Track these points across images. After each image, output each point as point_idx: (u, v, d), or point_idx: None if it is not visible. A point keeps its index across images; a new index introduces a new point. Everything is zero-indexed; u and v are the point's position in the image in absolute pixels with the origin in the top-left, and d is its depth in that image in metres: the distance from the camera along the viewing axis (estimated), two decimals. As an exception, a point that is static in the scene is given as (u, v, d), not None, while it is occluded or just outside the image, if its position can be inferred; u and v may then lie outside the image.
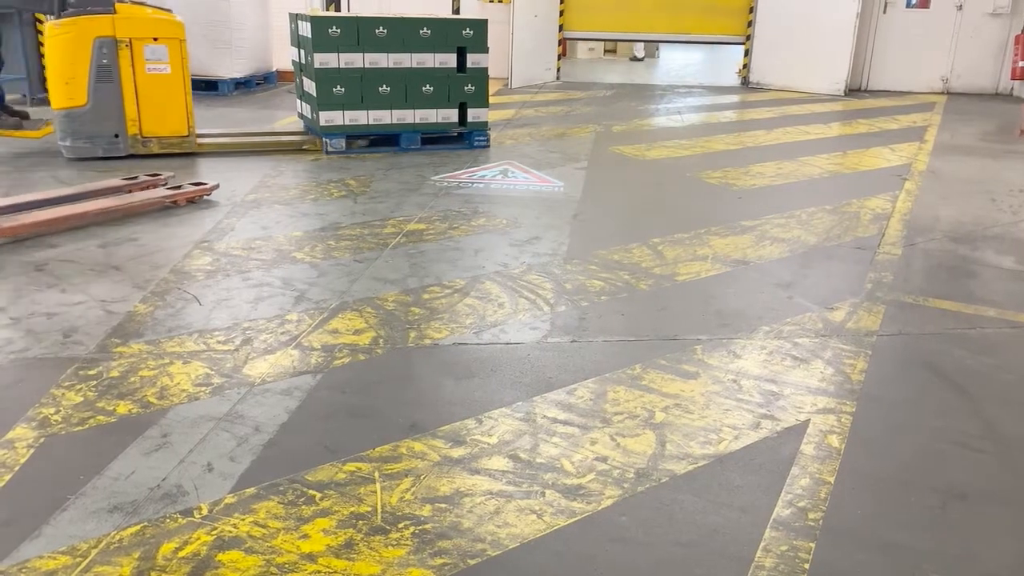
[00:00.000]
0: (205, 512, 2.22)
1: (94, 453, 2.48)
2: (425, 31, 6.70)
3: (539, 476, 2.43)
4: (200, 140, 6.59)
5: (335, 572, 2.02)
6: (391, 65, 6.65)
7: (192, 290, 3.76)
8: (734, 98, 10.84)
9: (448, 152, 6.92)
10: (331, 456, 2.50)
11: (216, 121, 7.98)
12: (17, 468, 2.40)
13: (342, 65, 6.52)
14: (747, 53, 11.91)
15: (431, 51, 6.76)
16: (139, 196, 5.05)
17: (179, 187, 5.24)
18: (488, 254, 4.36)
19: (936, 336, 3.52)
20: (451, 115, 6.98)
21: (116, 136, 6.20)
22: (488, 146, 7.12)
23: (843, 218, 5.23)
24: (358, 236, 4.59)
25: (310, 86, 6.71)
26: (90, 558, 2.04)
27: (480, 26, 6.95)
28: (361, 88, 6.62)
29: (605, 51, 16.40)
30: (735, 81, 12.30)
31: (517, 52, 11.01)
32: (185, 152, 6.44)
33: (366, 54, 6.56)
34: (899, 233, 4.94)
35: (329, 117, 6.62)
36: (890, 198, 5.75)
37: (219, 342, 3.24)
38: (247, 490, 2.32)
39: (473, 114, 7.05)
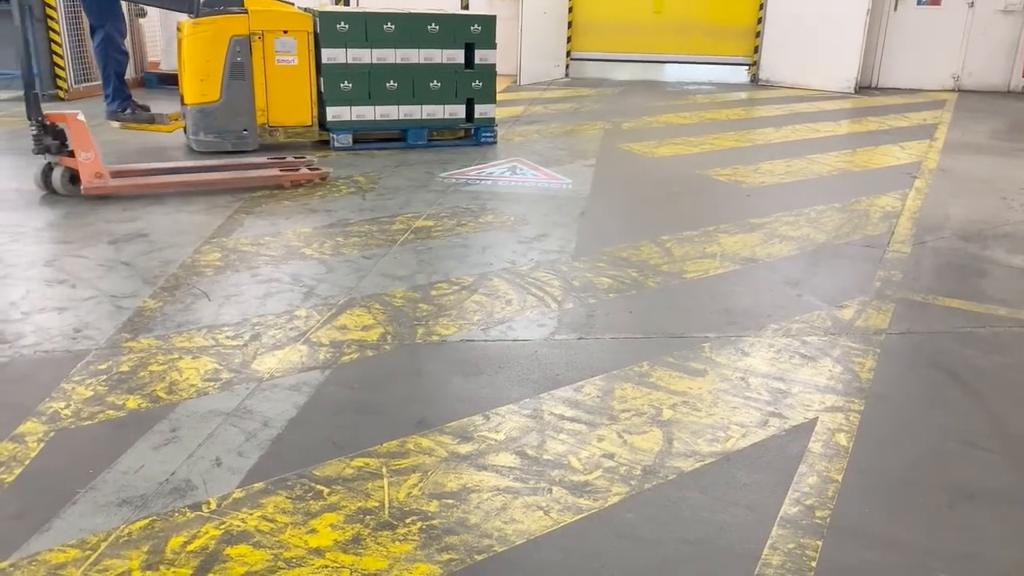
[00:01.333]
0: (213, 506, 2.23)
1: (104, 447, 2.50)
2: (433, 27, 6.69)
3: (546, 473, 2.43)
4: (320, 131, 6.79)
5: (342, 567, 2.02)
6: (398, 61, 6.65)
7: (201, 285, 3.78)
8: (743, 95, 10.81)
9: (455, 149, 6.93)
10: (339, 451, 2.50)
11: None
12: (27, 462, 2.42)
13: (350, 60, 6.52)
14: (756, 50, 11.87)
15: (439, 47, 6.74)
16: (255, 172, 5.61)
17: (296, 168, 5.70)
18: (496, 251, 4.36)
19: (946, 335, 3.50)
20: (458, 111, 6.96)
21: (245, 131, 6.42)
22: (495, 142, 7.12)
23: (852, 216, 5.21)
24: (367, 232, 4.60)
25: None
26: (99, 551, 2.05)
27: (488, 22, 6.94)
28: (368, 83, 6.63)
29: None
30: (745, 79, 12.27)
31: (526, 49, 11.00)
32: (309, 141, 6.68)
33: (374, 49, 6.56)
34: (909, 231, 4.92)
35: (336, 112, 6.63)
36: (900, 196, 5.73)
37: (228, 337, 3.26)
38: (255, 485, 2.33)
39: (480, 110, 7.03)
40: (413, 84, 6.75)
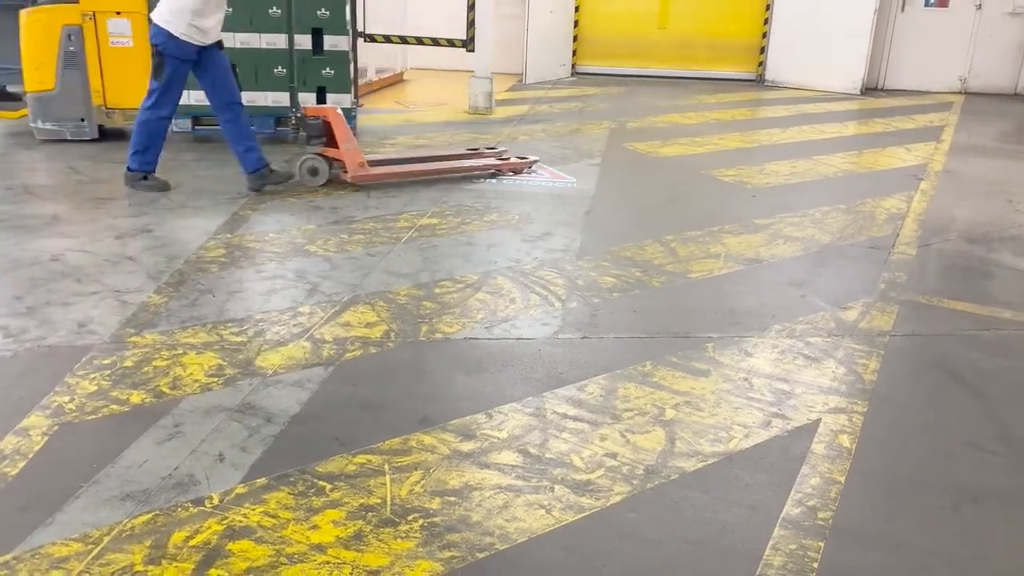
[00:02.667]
0: (216, 502, 2.24)
1: (107, 442, 2.50)
2: (275, 10, 6.38)
3: (548, 471, 2.43)
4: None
5: (344, 563, 2.03)
6: (238, 45, 6.33)
7: (206, 282, 3.78)
8: (749, 95, 10.79)
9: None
10: (342, 448, 2.51)
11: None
12: (31, 456, 2.43)
13: None
14: (763, 51, 11.85)
15: (283, 31, 6.44)
16: (475, 161, 6.00)
17: (507, 158, 6.05)
18: (500, 249, 4.36)
19: (950, 337, 3.50)
20: (308, 100, 6.62)
21: (82, 120, 6.40)
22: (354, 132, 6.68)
23: (857, 217, 5.20)
24: (371, 230, 4.60)
25: None
26: (102, 545, 2.06)
27: (338, 6, 6.54)
28: None
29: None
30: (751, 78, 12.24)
31: (532, 47, 10.99)
32: None
33: None
34: (914, 233, 4.91)
35: None
36: (905, 198, 5.71)
37: (232, 333, 3.26)
38: (258, 480, 2.34)
39: (334, 99, 6.65)
40: (256, 70, 6.44)
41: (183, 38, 4.90)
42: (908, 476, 2.50)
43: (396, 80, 10.86)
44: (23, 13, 6.19)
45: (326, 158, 5.48)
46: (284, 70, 6.55)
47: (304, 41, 6.56)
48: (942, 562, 2.13)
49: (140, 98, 5.24)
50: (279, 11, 6.42)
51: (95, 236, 4.34)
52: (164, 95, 5.05)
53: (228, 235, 4.44)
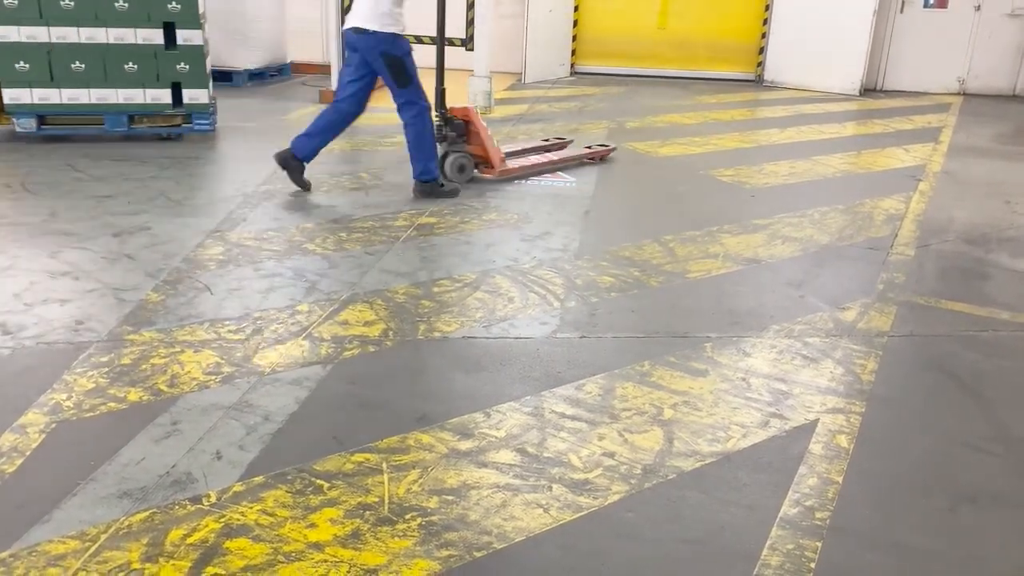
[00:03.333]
0: (213, 500, 2.24)
1: (105, 439, 2.50)
2: (122, 4, 6.09)
3: (546, 470, 2.43)
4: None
5: (342, 562, 2.03)
6: (83, 40, 6.08)
7: (204, 279, 3.78)
8: (748, 96, 10.79)
9: (170, 140, 6.54)
10: (339, 446, 2.51)
11: (226, 112, 8.01)
12: (29, 453, 2.42)
13: (24, 39, 5.95)
14: (762, 51, 11.86)
15: (131, 25, 6.17)
16: (580, 151, 6.48)
17: (590, 147, 6.58)
18: (499, 249, 4.36)
19: (948, 338, 3.50)
20: (163, 96, 6.39)
21: None
22: (212, 130, 6.64)
23: (856, 218, 5.20)
24: (370, 228, 4.60)
25: None
26: (99, 543, 2.05)
27: (190, 0, 6.30)
28: (50, 64, 6.05)
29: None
30: (750, 79, 12.24)
31: (531, 46, 10.98)
32: None
33: (51, 28, 6.00)
34: (912, 234, 4.91)
35: (15, 95, 6.09)
36: (904, 199, 5.72)
37: (230, 331, 3.26)
38: (255, 479, 2.33)
39: (190, 95, 6.45)
40: (105, 66, 6.20)
41: (401, 33, 5.01)
42: (906, 476, 2.50)
43: (395, 79, 10.83)
44: None
45: (471, 155, 5.72)
46: (135, 66, 6.28)
47: (156, 36, 6.28)
48: (939, 562, 2.13)
49: None
50: (126, 4, 6.12)
51: (93, 233, 4.34)
52: (419, 92, 5.15)
53: (226, 233, 4.43)
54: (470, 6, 8.42)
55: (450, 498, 2.29)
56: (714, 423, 2.73)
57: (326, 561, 2.03)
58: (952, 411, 2.92)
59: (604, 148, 6.62)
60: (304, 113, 8.16)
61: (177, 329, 3.26)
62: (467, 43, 8.53)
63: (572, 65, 12.19)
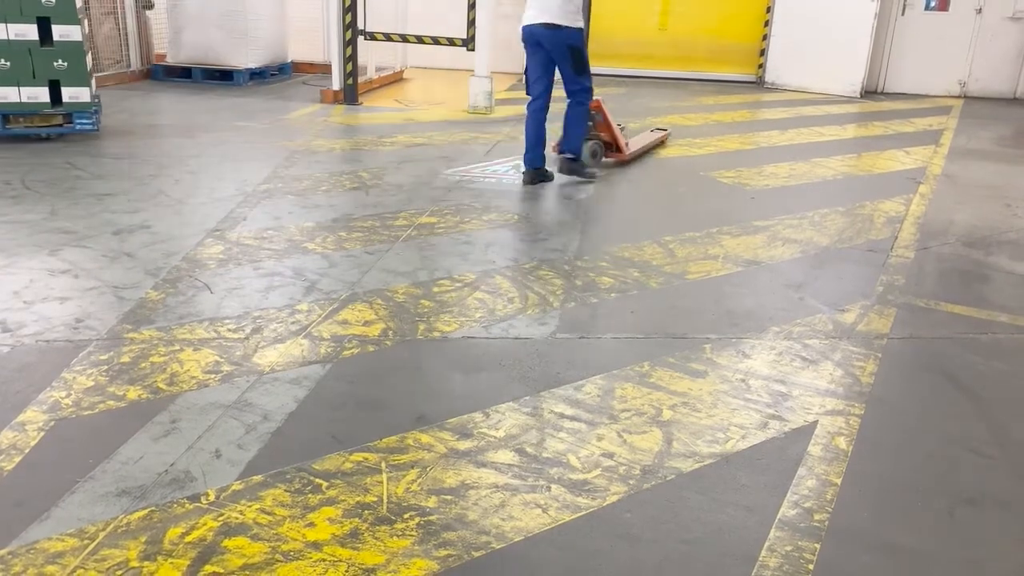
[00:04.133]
0: (212, 498, 2.24)
1: (104, 437, 2.50)
2: None
3: (545, 471, 2.43)
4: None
5: (340, 561, 2.02)
6: None
7: (204, 278, 3.78)
8: (749, 97, 10.80)
9: (53, 141, 6.30)
10: (338, 446, 2.51)
11: (226, 111, 8.02)
12: (27, 451, 2.42)
13: None
14: (763, 53, 11.86)
15: (1, 21, 5.90)
16: (657, 135, 7.33)
17: (654, 130, 7.50)
18: (499, 249, 4.36)
19: (947, 340, 3.50)
20: (41, 95, 6.11)
21: None
22: (96, 129, 6.43)
23: (856, 220, 5.20)
24: (369, 228, 4.60)
25: None
26: (98, 541, 2.05)
27: None
28: None
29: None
30: (751, 80, 12.25)
31: (532, 47, 10.97)
32: None
33: None
34: (912, 236, 4.91)
35: None
36: (904, 201, 5.72)
37: (229, 330, 3.26)
38: (254, 477, 2.33)
39: (70, 94, 6.17)
40: None
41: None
42: (904, 479, 2.50)
43: (396, 78, 10.85)
44: None
45: (602, 141, 6.36)
46: (8, 63, 5.99)
47: (30, 31, 6.00)
48: (937, 565, 2.13)
49: None
50: None
51: (93, 231, 4.34)
52: (590, 78, 5.74)
53: (226, 231, 4.43)
54: (471, 6, 8.42)
55: (449, 498, 2.29)
56: (713, 424, 2.73)
57: (324, 560, 2.03)
58: (951, 414, 2.92)
59: (664, 132, 7.54)
60: (305, 112, 8.17)
61: (176, 328, 3.26)
62: (468, 43, 8.54)
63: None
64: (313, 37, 11.02)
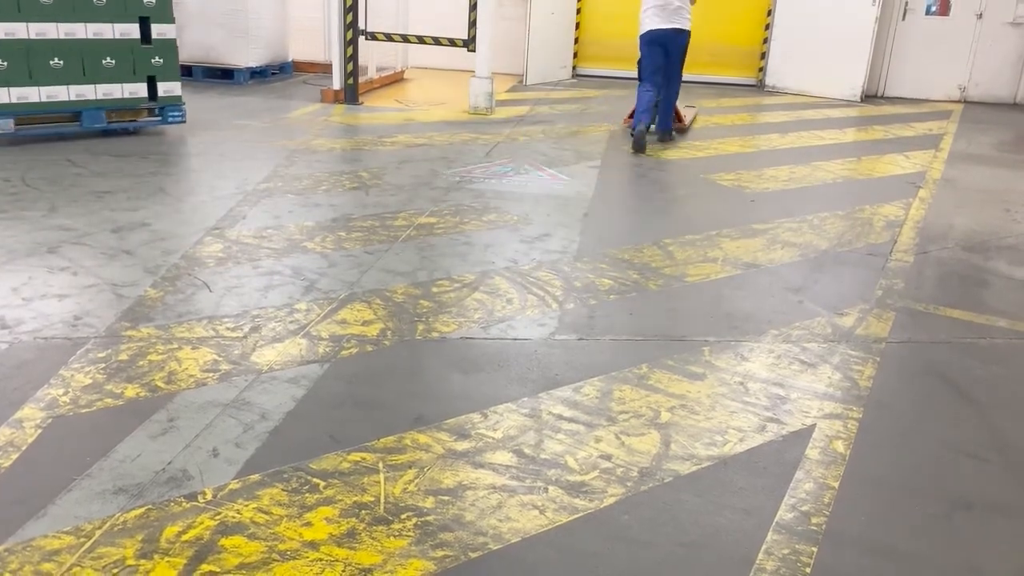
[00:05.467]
0: (209, 497, 2.23)
1: (101, 435, 2.50)
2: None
3: (543, 472, 2.43)
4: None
5: (337, 561, 2.02)
6: (62, 36, 6.01)
7: (203, 276, 3.78)
8: (749, 100, 10.80)
9: (145, 129, 6.69)
10: (336, 445, 2.50)
11: (227, 110, 8.01)
12: (25, 448, 2.42)
13: (2, 36, 5.80)
14: (763, 56, 11.87)
15: (109, 21, 6.19)
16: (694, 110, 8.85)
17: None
18: (498, 250, 4.36)
19: (946, 345, 3.50)
20: (140, 90, 6.46)
21: None
22: (184, 121, 6.76)
23: (855, 224, 5.21)
24: (369, 228, 4.60)
25: None
26: (94, 539, 2.05)
27: None
28: (28, 62, 5.92)
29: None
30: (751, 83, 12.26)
31: (533, 49, 10.98)
32: None
33: (30, 24, 5.87)
34: (911, 241, 4.92)
35: None
36: (903, 205, 5.72)
37: (228, 329, 3.26)
38: (251, 476, 2.33)
39: (164, 88, 6.57)
40: (83, 62, 6.14)
41: None
42: (902, 483, 2.50)
43: (396, 78, 10.85)
44: None
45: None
46: (113, 61, 6.29)
47: (132, 30, 6.35)
48: (934, 569, 2.13)
49: None
50: (103, 0, 6.17)
51: (92, 229, 4.33)
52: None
53: (226, 230, 4.43)
54: (472, 7, 8.42)
55: (446, 498, 2.29)
56: (711, 427, 2.73)
57: (321, 560, 2.02)
58: (949, 418, 2.92)
59: (695, 109, 8.91)
60: (305, 112, 8.16)
61: (175, 326, 3.26)
62: (469, 44, 8.54)
63: (574, 67, 12.20)
64: (314, 36, 11.01)
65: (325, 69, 10.24)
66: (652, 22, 7.10)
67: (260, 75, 10.12)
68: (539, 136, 7.53)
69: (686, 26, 7.14)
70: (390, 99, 9.43)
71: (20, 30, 5.85)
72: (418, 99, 9.56)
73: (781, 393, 2.98)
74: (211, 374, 2.90)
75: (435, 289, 3.77)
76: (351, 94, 8.77)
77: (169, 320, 3.31)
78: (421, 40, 8.88)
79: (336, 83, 8.81)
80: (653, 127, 7.56)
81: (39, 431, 2.51)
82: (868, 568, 2.12)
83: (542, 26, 11.04)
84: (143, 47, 6.41)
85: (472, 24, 8.49)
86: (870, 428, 2.78)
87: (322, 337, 3.23)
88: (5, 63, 5.85)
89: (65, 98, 6.15)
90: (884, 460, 2.62)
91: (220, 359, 3.01)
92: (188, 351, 3.06)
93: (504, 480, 2.38)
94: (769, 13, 11.61)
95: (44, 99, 6.08)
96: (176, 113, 6.70)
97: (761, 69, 11.87)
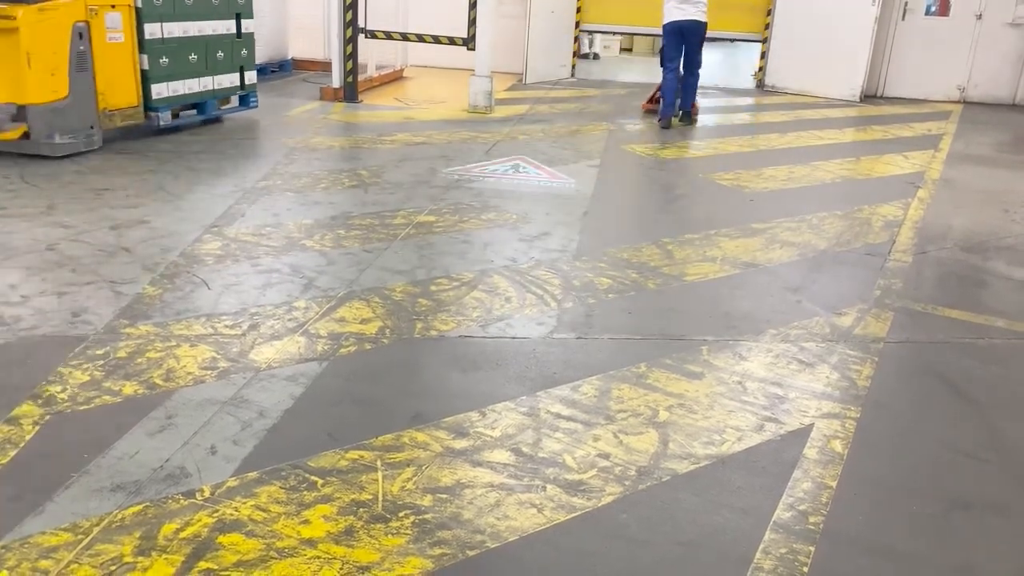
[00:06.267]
0: (207, 494, 2.23)
1: (99, 432, 2.50)
2: None
3: (541, 471, 2.43)
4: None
5: (334, 558, 2.02)
6: (197, 33, 6.61)
7: (201, 274, 3.77)
8: (749, 101, 10.80)
9: (236, 115, 7.29)
10: (334, 443, 2.50)
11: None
12: (23, 444, 2.42)
13: (165, 35, 6.31)
14: (763, 55, 11.86)
15: (220, 18, 6.84)
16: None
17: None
18: (497, 248, 4.36)
19: (944, 345, 3.50)
20: (235, 79, 7.13)
21: (92, 127, 5.83)
22: (258, 105, 7.49)
23: (854, 224, 5.21)
24: (368, 226, 4.59)
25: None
26: (92, 535, 2.05)
27: None
28: (178, 58, 6.45)
29: (621, 49, 16.34)
30: (751, 84, 12.26)
31: (533, 48, 10.98)
32: (136, 124, 6.24)
33: (181, 23, 6.44)
34: (910, 241, 4.92)
35: (158, 90, 6.33)
36: (902, 205, 5.72)
37: (226, 326, 3.26)
38: (249, 474, 2.33)
39: (248, 77, 7.27)
40: (206, 56, 6.74)
41: None
42: (899, 482, 2.51)
43: (396, 77, 10.84)
44: (21, 8, 5.28)
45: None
46: (223, 54, 6.90)
47: (232, 26, 7.01)
48: (932, 568, 2.14)
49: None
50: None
51: (91, 226, 4.33)
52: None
53: (225, 228, 4.43)
54: (472, 6, 8.42)
55: (444, 496, 2.29)
56: (709, 426, 2.73)
57: (319, 558, 2.02)
58: (947, 418, 2.92)
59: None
60: (305, 110, 8.16)
61: (173, 323, 3.26)
62: (468, 43, 8.53)
63: (573, 67, 12.19)
64: (314, 34, 11.00)
65: (325, 67, 10.23)
66: (673, 14, 8.08)
67: (260, 73, 10.08)
68: (539, 135, 7.53)
69: (703, 18, 8.07)
70: (390, 97, 9.42)
71: (176, 29, 6.41)
72: (418, 97, 9.56)
73: (779, 392, 2.99)
74: (209, 372, 2.90)
75: (434, 287, 3.77)
76: (351, 92, 8.76)
77: (168, 318, 3.31)
78: (421, 38, 8.88)
79: (336, 81, 8.81)
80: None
81: (37, 428, 2.50)
82: (865, 567, 2.12)
83: (542, 25, 11.03)
84: (237, 40, 7.06)
85: (472, 22, 8.48)
86: (868, 428, 2.79)
87: (320, 335, 3.23)
88: (167, 60, 6.36)
89: (197, 90, 6.74)
90: (882, 460, 2.62)
91: (218, 357, 3.01)
92: (186, 348, 3.06)
93: (502, 479, 2.38)
94: (769, 13, 11.60)
95: (187, 91, 6.64)
96: (254, 99, 7.41)
97: (761, 69, 11.86)
